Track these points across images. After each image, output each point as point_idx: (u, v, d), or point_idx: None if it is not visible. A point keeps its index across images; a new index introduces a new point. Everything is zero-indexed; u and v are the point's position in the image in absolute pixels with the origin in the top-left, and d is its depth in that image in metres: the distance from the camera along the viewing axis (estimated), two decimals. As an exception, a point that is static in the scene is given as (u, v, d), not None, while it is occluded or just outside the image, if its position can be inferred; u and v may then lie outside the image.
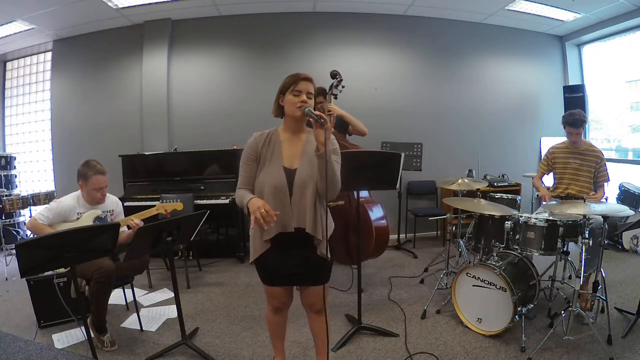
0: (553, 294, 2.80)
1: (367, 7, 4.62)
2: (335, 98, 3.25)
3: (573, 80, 5.27)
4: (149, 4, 4.19)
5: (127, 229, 2.47)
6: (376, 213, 3.14)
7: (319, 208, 1.66)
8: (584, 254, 2.23)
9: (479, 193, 2.93)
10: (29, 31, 4.53)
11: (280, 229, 1.64)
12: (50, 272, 2.49)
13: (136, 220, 2.38)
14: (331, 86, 3.19)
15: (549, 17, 4.71)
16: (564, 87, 5.16)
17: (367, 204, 3.13)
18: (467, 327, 2.53)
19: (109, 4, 4.06)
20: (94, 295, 2.29)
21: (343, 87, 3.20)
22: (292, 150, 1.70)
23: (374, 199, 3.29)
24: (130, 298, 2.84)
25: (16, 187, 4.90)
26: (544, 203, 2.92)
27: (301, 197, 1.64)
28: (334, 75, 3.18)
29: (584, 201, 2.31)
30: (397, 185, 2.80)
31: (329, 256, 1.70)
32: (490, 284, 2.42)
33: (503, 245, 2.61)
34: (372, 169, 2.41)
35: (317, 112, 1.56)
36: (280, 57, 4.68)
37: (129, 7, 4.20)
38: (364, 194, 3.24)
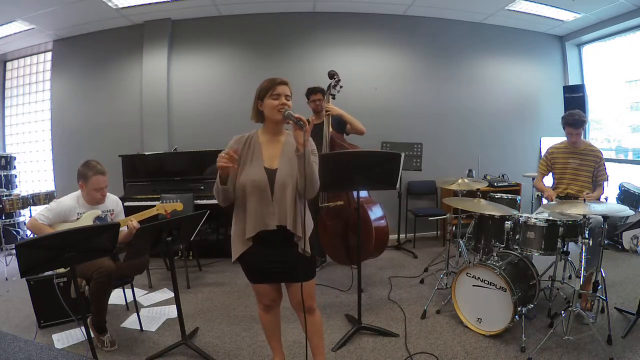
0: (553, 294, 2.80)
1: (367, 7, 4.62)
2: (334, 98, 3.26)
3: (573, 80, 5.27)
4: (149, 4, 4.19)
5: (126, 229, 2.47)
6: (376, 213, 3.15)
7: (299, 206, 1.70)
8: (584, 254, 2.23)
9: (479, 193, 2.93)
10: (29, 31, 4.53)
11: (262, 227, 1.69)
12: (50, 272, 2.49)
13: (134, 222, 2.38)
14: (329, 86, 3.20)
15: (549, 17, 4.71)
16: (564, 87, 5.16)
17: (367, 204, 3.13)
18: (467, 327, 2.53)
19: (109, 4, 4.06)
20: (94, 295, 2.29)
21: (341, 87, 3.20)
22: (271, 151, 1.76)
23: (373, 199, 3.29)
24: (130, 298, 2.84)
25: (16, 187, 4.90)
26: (548, 202, 2.91)
27: (282, 196, 1.69)
28: (332, 75, 3.18)
29: (584, 201, 2.31)
30: (397, 185, 2.80)
31: (309, 252, 1.74)
32: (490, 284, 2.42)
33: (503, 245, 2.61)
34: (372, 169, 2.41)
35: (296, 115, 1.62)
36: (280, 57, 4.68)
37: (129, 7, 4.20)
38: (363, 194, 3.24)
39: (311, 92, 3.41)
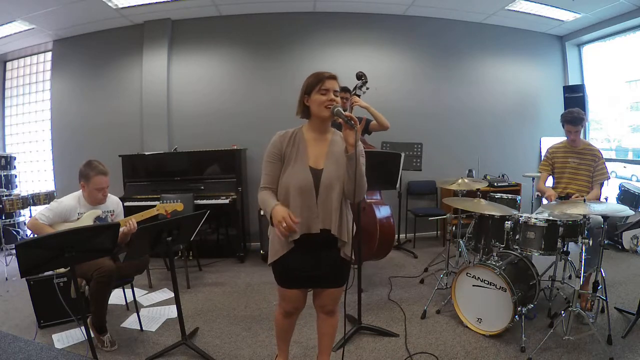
0: (553, 294, 2.80)
1: (367, 7, 4.62)
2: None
3: (573, 80, 5.27)
4: (149, 4, 4.19)
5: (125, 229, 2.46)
6: (383, 213, 3.15)
7: (344, 209, 1.64)
8: (584, 254, 2.23)
9: (479, 193, 2.93)
10: (29, 31, 4.53)
11: (305, 230, 1.61)
12: (50, 272, 2.49)
13: (133, 222, 2.37)
14: (355, 87, 3.21)
15: (549, 17, 4.71)
16: (564, 87, 5.16)
17: (376, 205, 3.13)
18: (467, 327, 2.53)
19: (109, 4, 4.06)
20: (93, 295, 2.29)
21: (367, 88, 3.21)
22: (317, 150, 1.67)
23: (383, 201, 3.29)
24: (130, 298, 2.84)
25: (16, 187, 4.91)
26: (549, 202, 2.91)
27: (327, 198, 1.61)
28: (360, 76, 3.19)
29: (584, 201, 2.31)
30: (397, 185, 2.81)
31: (353, 258, 1.69)
32: (490, 284, 2.42)
33: (503, 245, 2.61)
34: (372, 169, 2.40)
35: (346, 113, 1.54)
36: (280, 57, 4.68)
37: (129, 7, 4.20)
38: (375, 196, 3.24)
39: (339, 90, 3.39)
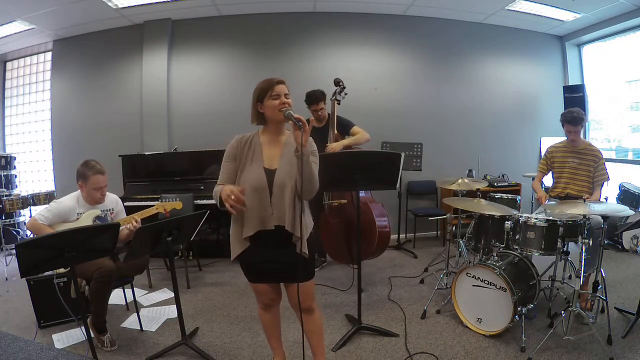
0: (553, 294, 2.80)
1: (367, 7, 4.62)
2: (339, 104, 3.29)
3: (573, 80, 5.27)
4: (149, 4, 4.19)
5: (127, 228, 2.46)
6: (380, 213, 3.15)
7: (298, 206, 1.70)
8: (584, 254, 2.23)
9: (479, 193, 2.93)
10: (29, 31, 4.53)
11: (261, 226, 1.70)
12: (50, 272, 2.49)
13: (139, 220, 2.38)
14: (334, 93, 3.24)
15: (549, 17, 4.71)
16: (564, 87, 5.16)
17: (371, 203, 3.14)
18: (467, 327, 2.53)
19: (109, 4, 4.06)
20: (93, 295, 2.29)
21: (346, 94, 3.26)
22: (271, 151, 1.77)
23: (375, 199, 3.30)
24: (130, 298, 2.84)
25: (16, 187, 4.91)
26: (540, 204, 2.93)
27: (280, 196, 1.69)
28: (337, 82, 3.24)
29: (584, 201, 2.30)
30: (397, 185, 2.81)
31: (307, 253, 1.74)
32: (490, 284, 2.42)
33: (503, 245, 2.61)
34: (372, 169, 2.41)
35: (296, 115, 1.62)
36: (280, 57, 4.68)
37: (129, 7, 4.20)
38: (365, 193, 3.25)
39: (311, 102, 3.36)
